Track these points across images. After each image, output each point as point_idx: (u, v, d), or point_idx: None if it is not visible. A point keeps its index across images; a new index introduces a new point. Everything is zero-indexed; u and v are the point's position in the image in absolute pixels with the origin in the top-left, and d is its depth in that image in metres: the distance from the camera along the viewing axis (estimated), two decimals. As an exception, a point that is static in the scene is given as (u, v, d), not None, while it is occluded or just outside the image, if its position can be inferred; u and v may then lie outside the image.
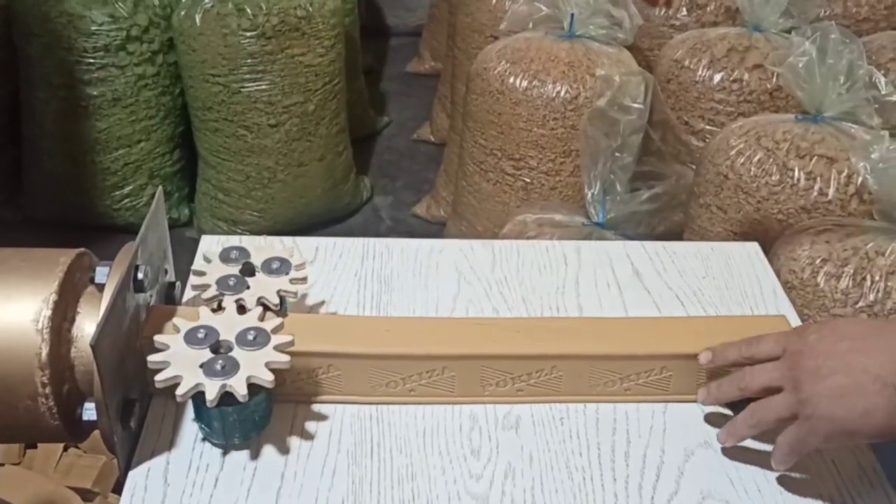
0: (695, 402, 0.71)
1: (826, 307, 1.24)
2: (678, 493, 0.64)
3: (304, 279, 0.71)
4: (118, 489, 1.33)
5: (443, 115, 2.45)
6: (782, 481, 0.66)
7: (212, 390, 0.60)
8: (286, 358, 0.62)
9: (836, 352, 0.60)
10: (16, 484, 1.28)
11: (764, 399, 0.64)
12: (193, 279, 0.69)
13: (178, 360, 0.62)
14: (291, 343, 0.63)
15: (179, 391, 0.60)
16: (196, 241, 0.85)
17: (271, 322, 0.65)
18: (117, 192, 2.05)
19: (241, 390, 0.60)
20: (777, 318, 0.75)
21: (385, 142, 2.57)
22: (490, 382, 0.70)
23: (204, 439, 0.66)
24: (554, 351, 0.69)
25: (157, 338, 0.63)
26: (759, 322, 0.74)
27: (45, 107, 1.99)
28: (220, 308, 0.67)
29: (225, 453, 0.65)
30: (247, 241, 0.75)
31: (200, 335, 0.63)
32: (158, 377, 0.61)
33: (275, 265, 0.71)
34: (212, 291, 0.68)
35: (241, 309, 0.67)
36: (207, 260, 0.70)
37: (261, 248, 0.72)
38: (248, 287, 0.68)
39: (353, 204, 2.24)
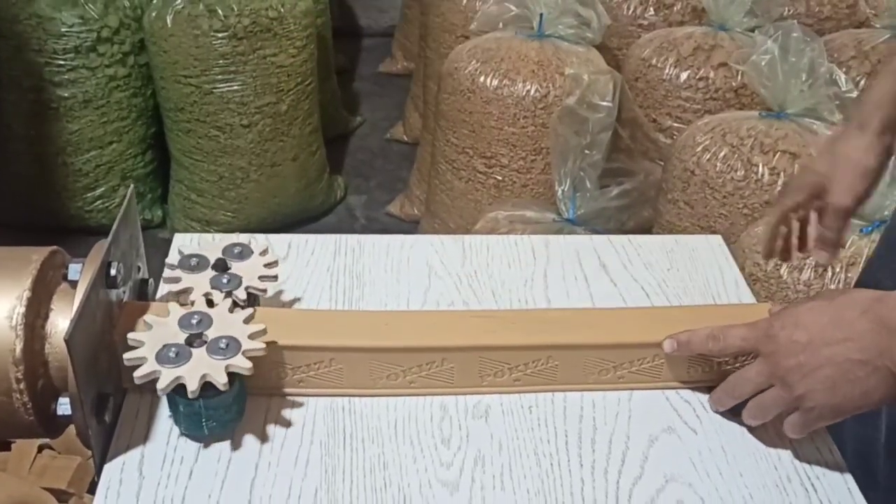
0: (685, 388, 0.73)
1: (789, 298, 1.27)
2: (643, 476, 0.66)
3: (266, 252, 0.73)
4: (93, 490, 1.33)
5: (415, 115, 2.47)
6: (742, 465, 0.68)
7: (144, 370, 0.61)
8: (224, 380, 0.61)
9: (809, 347, 0.63)
10: (-10, 486, 1.28)
11: (760, 397, 0.66)
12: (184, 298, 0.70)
13: (155, 335, 0.63)
14: (249, 370, 0.63)
15: (127, 354, 0.61)
16: (169, 243, 0.85)
17: (251, 343, 0.64)
18: (89, 194, 2.04)
19: (161, 384, 0.60)
20: (759, 306, 0.77)
21: (358, 141, 2.58)
22: (488, 373, 0.71)
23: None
24: (550, 341, 0.71)
25: (170, 305, 0.66)
26: (747, 311, 0.75)
27: (15, 109, 1.98)
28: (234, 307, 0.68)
29: (200, 446, 0.66)
30: (220, 239, 0.76)
31: (194, 320, 0.65)
32: (132, 335, 0.63)
33: (237, 250, 0.72)
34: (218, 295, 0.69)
35: (252, 298, 0.69)
36: (175, 280, 0.71)
37: (209, 244, 0.73)
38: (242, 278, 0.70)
39: (326, 203, 2.25)
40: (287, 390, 0.70)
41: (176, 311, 0.66)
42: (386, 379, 0.70)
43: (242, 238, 0.75)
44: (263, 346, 0.64)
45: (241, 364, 0.62)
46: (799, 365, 0.63)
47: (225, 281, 0.70)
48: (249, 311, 0.67)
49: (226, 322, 0.65)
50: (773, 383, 0.65)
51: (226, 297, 0.69)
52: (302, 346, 0.68)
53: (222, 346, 0.63)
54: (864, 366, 0.61)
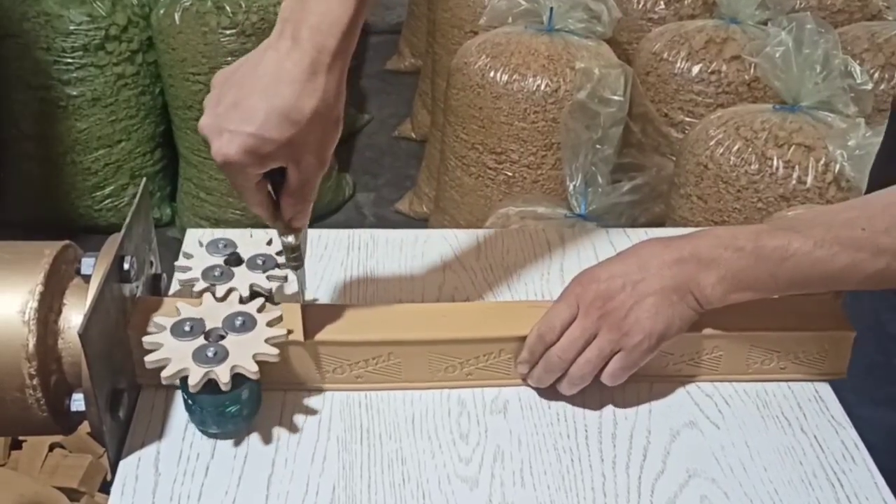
0: (745, 381, 0.72)
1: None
2: (665, 472, 0.65)
3: (285, 278, 0.71)
4: (105, 488, 1.33)
5: (423, 112, 2.46)
6: (766, 459, 0.66)
7: (171, 369, 0.60)
8: (254, 368, 0.61)
9: (627, 286, 0.66)
10: (1, 485, 1.28)
11: (586, 353, 0.66)
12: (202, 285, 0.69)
13: (205, 312, 0.65)
14: (276, 356, 0.62)
15: (149, 357, 0.61)
16: (179, 241, 0.84)
17: (272, 331, 0.64)
18: (98, 193, 2.04)
19: (192, 381, 0.60)
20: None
21: (366, 139, 2.57)
22: None
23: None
24: None
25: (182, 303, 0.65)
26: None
27: (24, 108, 1.98)
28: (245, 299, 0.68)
29: (216, 442, 0.65)
30: (232, 234, 0.75)
31: (238, 322, 0.64)
32: (148, 338, 0.62)
33: (221, 245, 0.71)
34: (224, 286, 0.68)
35: (255, 294, 0.68)
36: (188, 256, 0.71)
37: (252, 242, 0.73)
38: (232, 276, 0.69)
39: (335, 201, 2.24)
40: (344, 386, 0.69)
41: (191, 308, 0.65)
42: (444, 371, 0.70)
43: (225, 234, 0.74)
44: (284, 332, 0.64)
45: (268, 351, 0.62)
46: (622, 303, 0.66)
47: (261, 262, 0.70)
48: (261, 300, 0.66)
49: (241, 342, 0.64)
50: (597, 331, 0.66)
51: (229, 291, 0.68)
52: (361, 342, 0.67)
53: (210, 354, 0.61)
54: (677, 291, 0.66)
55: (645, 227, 1.63)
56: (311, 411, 0.68)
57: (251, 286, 0.68)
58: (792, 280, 0.64)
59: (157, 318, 0.64)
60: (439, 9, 2.24)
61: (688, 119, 1.78)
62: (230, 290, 0.67)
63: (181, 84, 1.93)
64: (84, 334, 0.56)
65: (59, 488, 1.30)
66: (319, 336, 0.67)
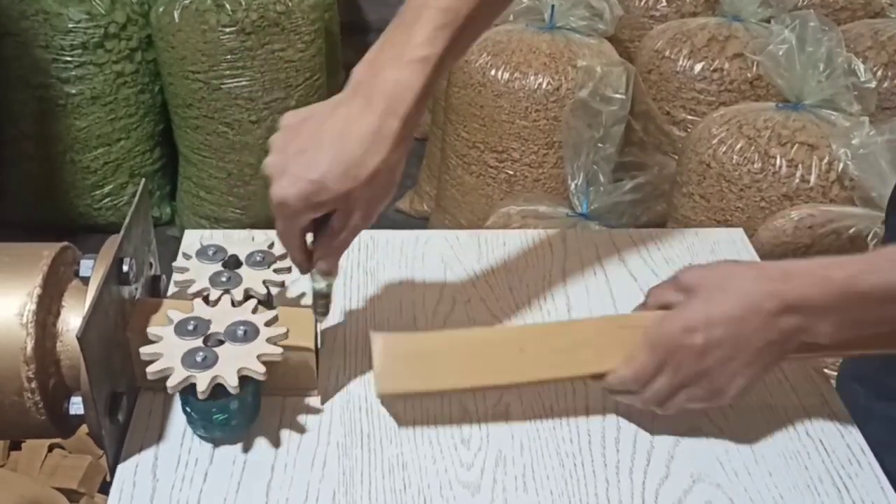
0: None
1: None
2: (669, 477, 0.64)
3: (290, 269, 0.70)
4: (104, 489, 1.32)
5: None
6: (771, 464, 0.66)
7: (159, 367, 0.60)
8: (234, 383, 0.59)
9: (727, 340, 0.61)
10: (1, 485, 1.27)
11: (671, 402, 0.64)
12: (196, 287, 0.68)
13: (215, 315, 0.63)
14: (263, 374, 0.61)
15: (145, 349, 0.61)
16: (178, 240, 0.84)
17: (267, 348, 0.63)
18: (98, 192, 2.03)
19: (171, 382, 0.59)
20: None
21: (367, 137, 2.56)
22: None
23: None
24: None
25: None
26: None
27: (23, 107, 1.97)
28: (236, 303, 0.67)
29: (214, 448, 0.64)
30: (229, 235, 0.75)
31: (240, 332, 0.63)
32: (154, 329, 0.62)
33: (211, 252, 0.70)
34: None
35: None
36: (185, 264, 0.70)
37: (239, 241, 0.72)
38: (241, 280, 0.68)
39: (336, 200, 2.23)
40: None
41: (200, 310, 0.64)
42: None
43: (276, 248, 0.72)
44: (280, 350, 0.62)
45: (256, 368, 0.60)
46: (719, 361, 0.61)
47: (260, 258, 0.69)
48: (274, 313, 0.65)
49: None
50: (688, 385, 0.62)
51: (224, 293, 0.66)
52: (435, 391, 0.67)
53: (198, 358, 0.60)
54: (777, 346, 0.61)
55: (647, 227, 1.63)
56: (310, 416, 0.67)
57: (264, 282, 0.67)
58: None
59: (171, 313, 0.63)
60: (440, 6, 2.22)
61: (690, 117, 1.77)
62: (247, 292, 0.67)
63: (181, 82, 1.93)
64: (83, 337, 0.56)
65: (59, 489, 1.29)
66: (390, 387, 0.65)
